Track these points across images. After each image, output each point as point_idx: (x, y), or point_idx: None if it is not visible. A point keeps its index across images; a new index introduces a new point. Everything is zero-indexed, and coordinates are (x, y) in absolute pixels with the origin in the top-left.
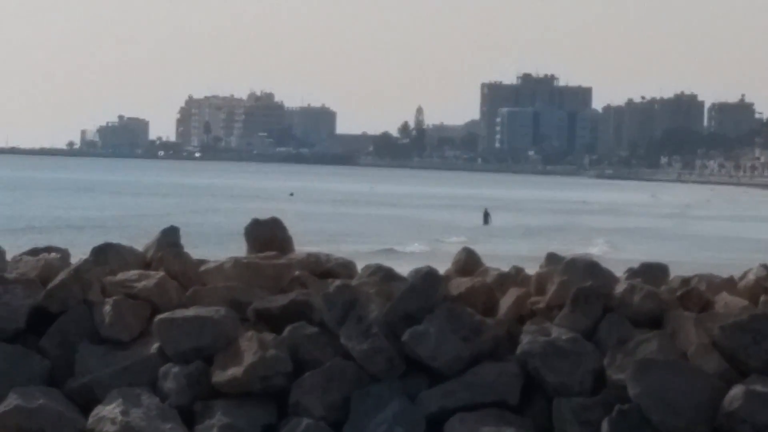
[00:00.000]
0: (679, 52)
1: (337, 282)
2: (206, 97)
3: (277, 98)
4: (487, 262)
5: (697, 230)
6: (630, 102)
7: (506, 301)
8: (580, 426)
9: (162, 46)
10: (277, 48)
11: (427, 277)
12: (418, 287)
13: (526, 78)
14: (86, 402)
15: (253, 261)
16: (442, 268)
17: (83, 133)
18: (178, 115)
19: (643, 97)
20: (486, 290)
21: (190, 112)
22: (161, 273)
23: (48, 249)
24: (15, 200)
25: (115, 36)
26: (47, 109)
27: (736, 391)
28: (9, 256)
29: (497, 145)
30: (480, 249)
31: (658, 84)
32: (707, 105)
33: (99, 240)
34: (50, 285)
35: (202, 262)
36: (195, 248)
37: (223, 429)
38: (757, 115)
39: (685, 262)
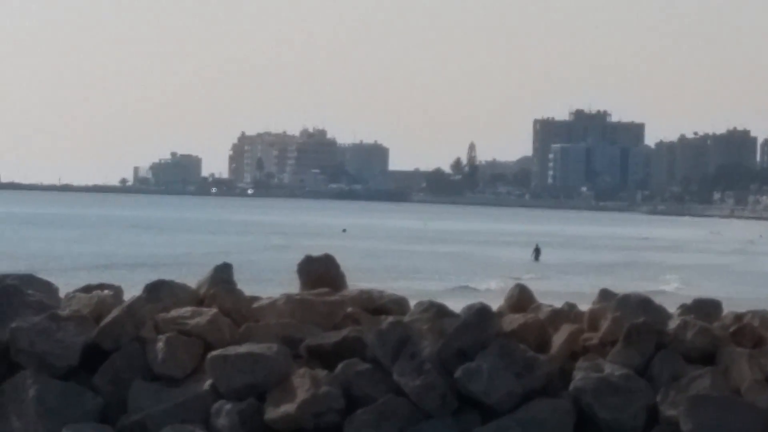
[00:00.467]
0: (732, 87)
1: (390, 318)
2: (259, 134)
3: (329, 134)
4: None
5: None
6: (682, 138)
7: (559, 338)
8: None
9: (215, 83)
10: (330, 84)
11: (480, 313)
12: (471, 323)
13: (579, 114)
14: None
15: (305, 297)
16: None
17: (136, 169)
18: (231, 152)
19: (695, 133)
20: (539, 326)
21: (243, 148)
22: (214, 310)
23: (101, 286)
24: (67, 238)
25: (168, 73)
26: (100, 146)
27: None
28: (62, 293)
29: (550, 181)
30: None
31: (710, 120)
32: (760, 140)
33: (152, 277)
34: (103, 322)
35: (254, 298)
36: (248, 285)
37: None
38: None
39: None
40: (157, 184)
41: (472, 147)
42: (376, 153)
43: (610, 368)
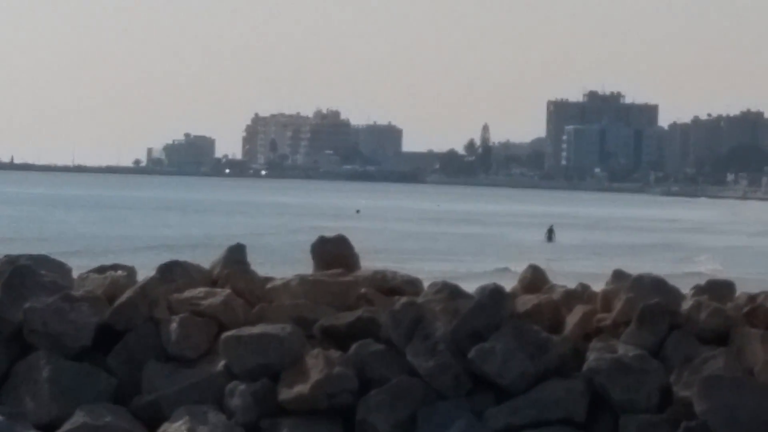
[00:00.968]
0: (746, 69)
1: (404, 299)
2: (272, 115)
3: (343, 116)
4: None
5: None
6: (696, 119)
7: (572, 318)
8: None
9: (228, 64)
10: (344, 66)
11: (494, 294)
12: (484, 304)
13: (593, 96)
14: (153, 419)
15: (319, 278)
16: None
17: (149, 151)
18: (244, 133)
19: (709, 115)
20: (552, 307)
21: (257, 129)
22: (228, 290)
23: (114, 266)
24: (81, 219)
25: (182, 54)
26: (114, 128)
27: None
28: (75, 274)
29: (563, 162)
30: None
31: (724, 101)
32: None
33: (165, 258)
34: (117, 302)
35: (268, 279)
36: (261, 266)
37: None
38: None
39: None
40: (171, 165)
41: (485, 128)
42: (390, 134)
43: (624, 349)
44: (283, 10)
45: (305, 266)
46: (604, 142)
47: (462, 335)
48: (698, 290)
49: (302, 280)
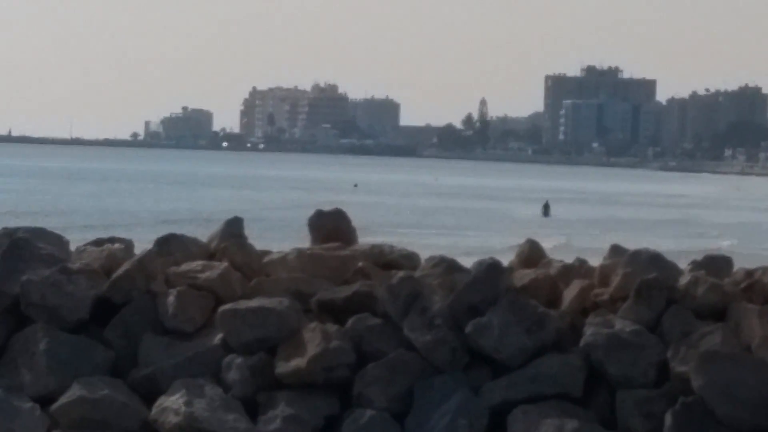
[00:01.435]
0: (744, 44)
1: (401, 273)
2: (270, 89)
3: (341, 90)
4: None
5: None
6: (694, 94)
7: (570, 293)
8: (643, 418)
9: (226, 38)
10: (341, 40)
11: (491, 268)
12: (481, 279)
13: (590, 70)
14: (149, 392)
15: (316, 252)
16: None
17: (147, 124)
18: (242, 107)
19: (707, 90)
20: (549, 282)
21: (254, 103)
22: (225, 264)
23: (112, 239)
24: (79, 192)
25: (179, 26)
26: (111, 100)
27: None
28: (72, 247)
29: (561, 137)
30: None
31: (722, 76)
32: None
33: (163, 231)
34: (114, 275)
35: (265, 253)
36: (259, 239)
37: (287, 420)
38: None
39: None
40: (168, 138)
41: (483, 103)
42: (388, 108)
43: (621, 324)
44: None
45: (302, 240)
46: (602, 117)
47: (459, 310)
48: (696, 265)
49: (299, 253)
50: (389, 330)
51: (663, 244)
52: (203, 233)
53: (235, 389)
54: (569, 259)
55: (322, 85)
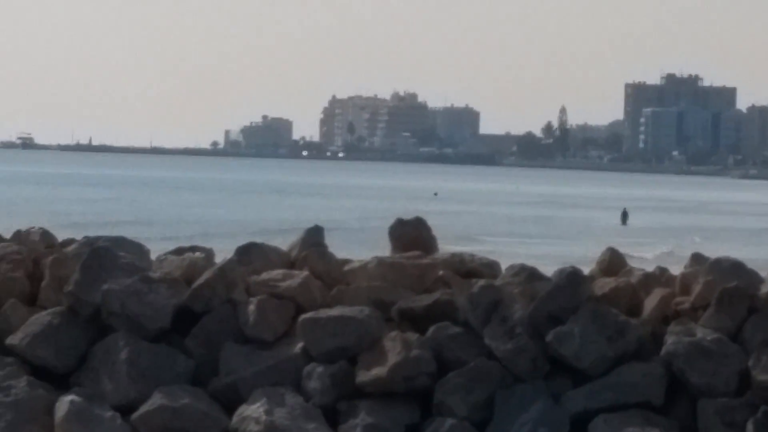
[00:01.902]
0: None
1: (482, 282)
2: (350, 97)
3: (420, 98)
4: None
5: None
6: None
7: (651, 302)
8: (725, 427)
9: (306, 47)
10: (421, 48)
11: (571, 277)
12: (562, 287)
13: (670, 78)
14: (230, 401)
15: (397, 261)
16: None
17: (227, 133)
18: (322, 115)
19: None
20: (630, 290)
21: (334, 112)
22: (305, 272)
23: (192, 248)
24: (159, 200)
25: (260, 36)
26: (192, 110)
27: None
28: (153, 256)
29: (641, 145)
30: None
31: None
32: None
33: (243, 240)
34: (195, 284)
35: (346, 261)
36: (339, 248)
37: (367, 429)
38: None
39: None
40: (248, 147)
41: (563, 111)
42: (467, 117)
43: (702, 332)
44: None
45: (383, 248)
46: (682, 125)
47: (540, 318)
48: None
49: (380, 262)
50: (470, 338)
51: (746, 252)
52: (283, 242)
53: (315, 398)
54: (649, 268)
55: (401, 93)
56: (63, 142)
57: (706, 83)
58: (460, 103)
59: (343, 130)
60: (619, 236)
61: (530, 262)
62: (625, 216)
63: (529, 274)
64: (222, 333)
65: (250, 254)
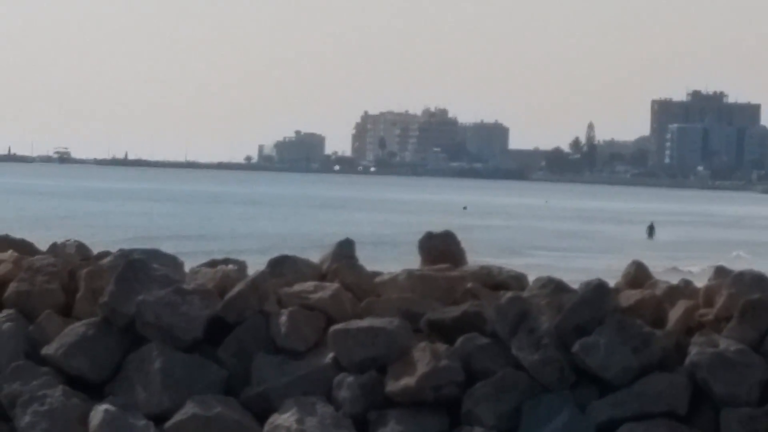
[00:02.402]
0: None
1: (509, 294)
2: (381, 113)
3: (450, 114)
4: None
5: None
6: None
7: (675, 313)
8: None
9: (338, 63)
10: (451, 64)
11: (598, 289)
12: (588, 299)
13: (696, 95)
14: (262, 411)
15: (426, 273)
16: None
17: (260, 147)
18: (354, 131)
19: None
20: (655, 302)
21: (366, 127)
22: (336, 284)
23: (225, 260)
24: (192, 214)
25: (292, 52)
26: (226, 125)
27: None
28: (187, 268)
29: (667, 160)
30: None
31: None
32: None
33: (275, 253)
34: (228, 296)
35: (376, 274)
36: (369, 260)
37: None
38: None
39: None
40: (281, 161)
41: (591, 127)
42: (497, 132)
43: (726, 343)
44: (393, 9)
45: (413, 261)
46: (707, 141)
47: (566, 329)
48: None
49: (410, 274)
50: (497, 349)
51: None
52: (315, 255)
53: (345, 407)
54: (674, 280)
55: (432, 109)
56: (99, 156)
57: (731, 100)
58: (489, 119)
59: (375, 145)
60: (645, 249)
61: (557, 275)
62: (651, 230)
63: (555, 287)
64: (254, 343)
65: (282, 266)
